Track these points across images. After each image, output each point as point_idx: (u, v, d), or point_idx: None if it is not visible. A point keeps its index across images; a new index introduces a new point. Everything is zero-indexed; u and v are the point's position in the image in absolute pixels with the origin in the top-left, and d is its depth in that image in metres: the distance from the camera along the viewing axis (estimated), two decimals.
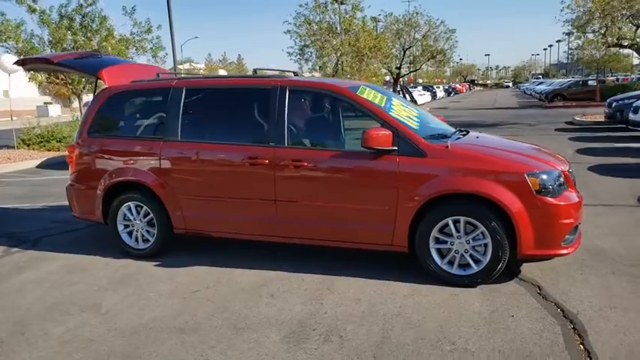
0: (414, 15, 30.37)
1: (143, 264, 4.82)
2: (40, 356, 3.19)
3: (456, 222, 3.94)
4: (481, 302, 3.71)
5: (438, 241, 4.03)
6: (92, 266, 4.83)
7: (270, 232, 4.50)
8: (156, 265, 4.78)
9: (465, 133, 4.73)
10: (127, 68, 5.54)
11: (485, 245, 3.89)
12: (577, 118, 18.12)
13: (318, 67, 20.41)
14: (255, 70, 4.92)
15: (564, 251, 3.88)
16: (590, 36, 20.42)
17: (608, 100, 16.24)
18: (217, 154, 4.58)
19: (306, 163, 4.23)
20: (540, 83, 48.21)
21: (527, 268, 4.28)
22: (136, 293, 4.14)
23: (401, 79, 33.31)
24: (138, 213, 4.97)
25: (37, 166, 11.86)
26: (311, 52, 20.46)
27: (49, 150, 13.51)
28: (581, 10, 18.59)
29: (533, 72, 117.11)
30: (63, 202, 7.57)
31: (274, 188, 4.35)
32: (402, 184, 3.99)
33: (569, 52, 33.18)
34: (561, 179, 3.93)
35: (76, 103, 20.79)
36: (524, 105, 32.99)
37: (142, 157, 4.85)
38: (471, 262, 3.95)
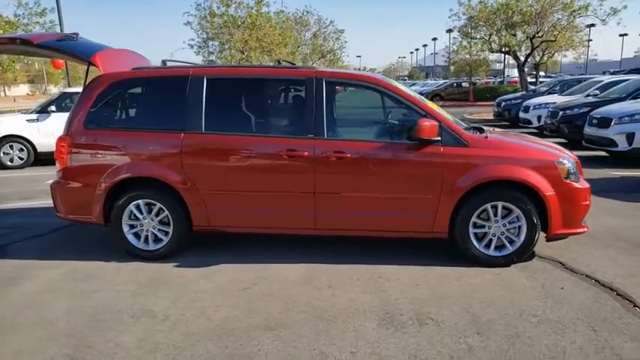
0: (304, 13, 30.90)
1: (158, 266, 4.46)
2: None
3: (493, 207, 4.27)
4: (526, 278, 4.08)
5: (475, 225, 4.33)
6: (101, 271, 4.36)
7: (308, 225, 4.44)
8: (177, 267, 4.45)
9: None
10: (119, 54, 5.03)
11: (519, 227, 4.27)
12: (467, 117, 19.99)
13: (220, 61, 19.86)
14: (279, 61, 4.79)
15: (582, 230, 4.40)
16: (478, 41, 22.61)
17: (497, 100, 18.22)
18: (250, 147, 4.39)
19: (349, 155, 4.25)
20: (413, 84, 51.99)
21: (537, 248, 4.76)
22: (181, 296, 3.84)
23: None
24: (149, 211, 4.57)
25: None
26: (215, 45, 19.89)
27: None
28: (467, 17, 20.52)
29: (399, 74, 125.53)
30: (6, 205, 6.71)
31: (314, 180, 4.31)
32: (447, 173, 4.21)
33: (448, 55, 36.20)
34: (577, 167, 4.45)
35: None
36: None
37: (157, 151, 4.47)
38: (507, 244, 4.32)
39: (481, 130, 4.66)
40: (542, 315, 3.44)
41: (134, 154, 4.50)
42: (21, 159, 10.48)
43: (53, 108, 10.47)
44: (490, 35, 20.96)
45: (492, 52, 22.03)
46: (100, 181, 4.52)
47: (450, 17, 21.74)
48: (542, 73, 35.89)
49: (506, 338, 3.13)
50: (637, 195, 6.75)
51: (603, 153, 9.77)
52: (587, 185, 4.38)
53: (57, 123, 10.30)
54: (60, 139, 4.65)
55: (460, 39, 23.48)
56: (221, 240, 5.03)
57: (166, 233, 4.58)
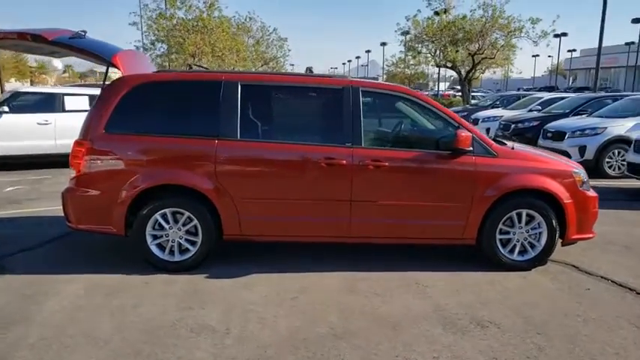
0: (247, 20, 30.75)
1: (189, 278, 4.29)
2: None
3: (518, 214, 4.52)
4: (551, 281, 4.35)
5: (501, 232, 4.56)
6: (128, 285, 4.12)
7: (343, 232, 4.46)
8: (209, 278, 4.31)
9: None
10: (132, 54, 4.82)
11: (540, 233, 4.55)
12: None
13: (168, 65, 19.28)
14: (309, 69, 4.78)
15: (592, 235, 4.76)
16: (422, 55, 23.60)
17: None
18: (287, 154, 4.35)
19: (386, 163, 4.34)
20: None
21: None
22: (231, 308, 3.72)
23: None
24: (175, 221, 4.38)
25: None
26: (163, 48, 19.25)
27: None
28: (415, 32, 21.41)
29: None
30: None
31: (351, 188, 4.35)
32: (478, 182, 4.41)
33: (383, 68, 37.38)
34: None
35: None
36: None
37: (189, 158, 4.31)
38: (529, 249, 4.58)
39: (502, 143, 4.91)
40: (585, 314, 3.70)
41: (163, 160, 4.32)
42: None
43: (5, 109, 9.68)
44: (435, 50, 22.00)
45: (438, 66, 23.11)
46: (122, 188, 4.28)
47: (396, 32, 22.55)
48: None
49: (567, 338, 3.34)
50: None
51: None
52: (596, 194, 4.75)
53: (8, 125, 9.60)
54: (77, 144, 4.35)
55: (404, 52, 24.40)
56: (242, 250, 4.92)
57: (193, 243, 4.42)
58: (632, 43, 50.10)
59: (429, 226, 4.49)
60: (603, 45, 20.33)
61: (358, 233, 4.48)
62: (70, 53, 4.80)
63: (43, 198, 7.44)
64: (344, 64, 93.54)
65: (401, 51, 25.20)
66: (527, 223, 4.55)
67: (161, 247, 4.43)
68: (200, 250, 4.40)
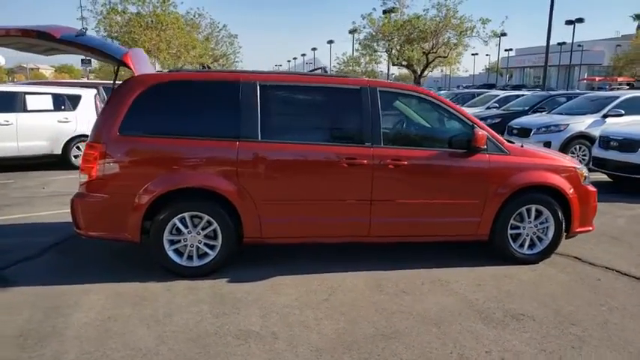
0: (196, 16, 30.06)
1: (211, 283, 4.18)
2: None
3: (528, 209, 4.71)
4: (562, 273, 4.56)
5: (511, 227, 4.73)
6: (151, 293, 3.96)
7: (363, 232, 4.48)
8: (231, 282, 4.21)
9: None
10: (138, 53, 4.60)
11: (547, 228, 4.76)
12: None
13: None
14: (324, 69, 4.75)
15: (592, 228, 5.03)
16: (380, 54, 23.94)
17: None
18: (308, 155, 4.31)
19: (405, 162, 4.39)
20: None
21: None
22: (268, 312, 3.66)
23: None
24: (194, 225, 4.24)
25: None
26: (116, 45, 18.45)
27: None
28: (370, 32, 21.70)
29: None
30: None
31: (371, 188, 4.37)
32: (492, 179, 4.55)
33: (336, 65, 37.59)
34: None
35: None
36: None
37: (210, 160, 4.19)
38: (537, 243, 4.78)
39: (510, 141, 5.09)
40: (607, 304, 3.91)
41: (183, 162, 4.17)
42: None
43: None
44: (392, 49, 22.40)
45: (394, 64, 23.56)
46: (138, 193, 4.10)
47: (351, 31, 22.76)
48: None
49: (599, 326, 3.52)
50: None
51: None
52: (595, 189, 5.02)
53: None
54: (89, 147, 4.12)
55: (359, 51, 24.70)
56: (255, 253, 4.83)
57: (212, 247, 4.30)
58: (564, 43, 53.23)
59: (446, 223, 4.59)
60: (536, 45, 21.42)
61: (378, 233, 4.51)
62: (74, 51, 4.51)
63: (15, 204, 6.99)
64: (289, 61, 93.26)
65: (357, 49, 25.54)
66: (535, 218, 4.75)
67: (178, 252, 4.28)
68: (220, 254, 4.28)
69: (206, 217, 4.23)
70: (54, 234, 5.44)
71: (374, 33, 22.36)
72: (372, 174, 4.35)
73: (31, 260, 4.70)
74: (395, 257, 4.83)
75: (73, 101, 10.11)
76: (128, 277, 4.23)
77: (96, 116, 10.04)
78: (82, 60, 31.50)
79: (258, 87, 4.28)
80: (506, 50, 63.04)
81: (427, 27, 21.01)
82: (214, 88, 4.33)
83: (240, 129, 4.21)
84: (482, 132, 4.43)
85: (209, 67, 4.76)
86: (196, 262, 4.29)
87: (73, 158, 10.02)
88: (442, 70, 31.30)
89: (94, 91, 10.54)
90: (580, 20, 40.93)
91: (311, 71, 5.16)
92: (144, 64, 4.58)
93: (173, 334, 3.31)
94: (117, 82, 4.40)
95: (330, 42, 54.58)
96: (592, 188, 4.93)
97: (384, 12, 24.50)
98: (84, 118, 10.05)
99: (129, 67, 4.23)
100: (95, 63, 34.23)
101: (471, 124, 4.58)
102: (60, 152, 9.98)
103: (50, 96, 9.96)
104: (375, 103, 4.41)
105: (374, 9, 23.01)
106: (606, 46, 58.29)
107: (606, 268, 4.72)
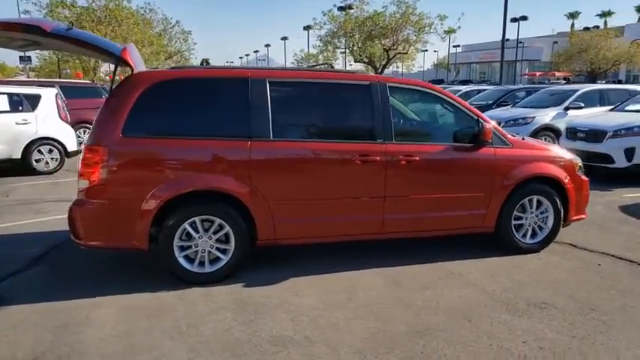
0: (148, 11, 29.08)
1: (227, 289, 4.03)
2: None
3: (530, 200, 4.82)
4: (564, 260, 4.70)
5: (515, 218, 4.83)
6: (166, 304, 3.77)
7: (376, 229, 4.45)
8: (247, 287, 4.08)
9: None
10: (134, 50, 4.35)
11: (547, 217, 4.90)
12: None
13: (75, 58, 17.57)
14: (330, 65, 4.66)
15: (585, 216, 5.21)
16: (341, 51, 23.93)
17: None
18: (321, 153, 4.22)
19: (417, 158, 4.39)
20: None
21: None
22: (296, 316, 3.57)
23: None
24: (205, 230, 4.07)
25: None
26: None
27: None
28: (333, 28, 21.69)
29: None
30: None
31: (384, 184, 4.35)
32: (498, 172, 4.63)
33: (293, 62, 37.45)
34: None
35: None
36: None
37: (222, 161, 4.02)
38: (538, 232, 4.91)
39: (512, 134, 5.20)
40: (615, 287, 4.06)
41: (193, 164, 3.98)
42: None
43: None
44: (353, 46, 22.48)
45: (357, 61, 23.64)
46: (146, 197, 3.89)
47: (305, 28, 22.65)
48: None
49: (619, 310, 3.65)
50: None
51: None
52: (587, 178, 5.20)
53: None
54: (89, 151, 3.86)
55: (320, 47, 24.64)
56: (262, 255, 4.70)
57: (224, 252, 4.14)
58: (508, 40, 55.34)
59: (456, 216, 4.63)
60: (483, 41, 22.17)
61: (391, 229, 4.49)
62: (61, 47, 4.18)
63: None
64: (241, 58, 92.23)
65: (318, 45, 25.42)
66: (537, 208, 4.87)
67: (188, 258, 4.10)
68: (233, 258, 4.13)
69: (218, 221, 4.06)
70: (34, 245, 5.08)
71: (335, 29, 22.38)
72: (384, 170, 4.32)
73: (20, 274, 4.37)
74: (403, 253, 4.83)
75: (32, 101, 9.50)
76: (133, 288, 4.01)
77: (58, 117, 9.68)
78: (20, 57, 29.71)
79: (267, 84, 4.15)
80: (454, 47, 64.89)
81: (388, 24, 21.24)
82: (222, 86, 4.16)
83: (251, 128, 4.07)
84: (489, 126, 4.49)
85: (208, 63, 4.56)
86: (208, 268, 4.12)
87: (35, 163, 9.46)
88: (397, 66, 31.75)
89: (55, 90, 9.95)
90: (524, 18, 42.63)
91: (312, 67, 5.06)
92: (139, 61, 4.34)
93: (204, 345, 3.16)
94: (104, 80, 4.14)
95: (284, 38, 54.23)
96: (585, 177, 5.11)
97: (340, 8, 24.56)
98: (45, 120, 9.50)
99: (127, 64, 4.00)
100: (36, 60, 32.44)
101: (476, 118, 4.63)
102: (19, 157, 9.37)
103: (6, 96, 9.32)
104: (385, 99, 4.38)
105: (334, 5, 23.11)
106: (544, 42, 61.28)
107: (602, 253, 4.90)
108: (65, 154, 9.77)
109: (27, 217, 6.25)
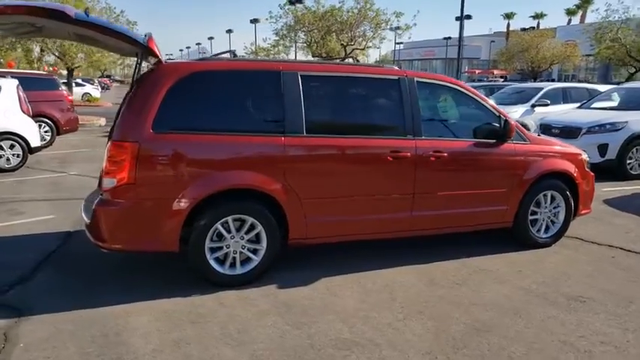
0: (95, 2, 27.55)
1: (259, 291, 3.86)
2: None
3: (544, 195, 4.93)
4: (579, 254, 4.84)
5: (531, 213, 4.92)
6: (206, 308, 3.56)
7: (405, 226, 4.39)
8: (280, 288, 3.92)
9: None
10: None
11: (559, 211, 5.03)
12: None
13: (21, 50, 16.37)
14: (356, 59, 4.52)
15: (590, 210, 5.39)
16: (301, 44, 23.67)
17: None
18: (355, 149, 4.10)
19: (445, 154, 4.37)
20: None
21: None
22: (347, 318, 3.45)
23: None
24: (237, 229, 3.87)
25: None
26: (12, 42, 16.23)
27: None
28: (287, 22, 21.44)
29: None
30: None
31: (414, 181, 4.30)
32: (518, 168, 4.69)
33: (244, 55, 36.76)
34: None
35: None
36: None
37: (257, 157, 3.83)
38: (551, 226, 5.04)
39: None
40: (637, 278, 4.22)
41: (227, 161, 3.77)
42: None
43: None
44: (312, 40, 22.32)
45: (315, 56, 23.47)
46: (178, 196, 3.64)
47: (268, 20, 22.32)
48: None
49: None
50: None
51: None
52: (593, 173, 5.38)
53: None
54: (116, 147, 3.56)
55: (277, 41, 24.30)
56: (286, 255, 4.53)
57: (255, 252, 3.96)
58: (449, 38, 57.07)
59: (480, 212, 4.65)
60: (423, 39, 22.66)
61: (419, 226, 4.45)
62: (81, 33, 3.79)
63: None
64: (181, 50, 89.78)
65: (275, 39, 25.04)
66: (550, 203, 4.98)
67: (218, 260, 3.88)
68: (266, 258, 3.96)
69: (250, 220, 3.87)
70: (28, 250, 4.65)
71: (292, 23, 22.15)
72: (414, 167, 4.27)
73: (28, 282, 3.98)
74: (425, 249, 4.80)
75: None
76: (163, 293, 3.75)
77: (20, 110, 8.96)
78: None
79: (299, 78, 3.98)
80: (396, 44, 66.10)
81: (347, 19, 21.25)
82: (254, 79, 3.96)
83: (284, 123, 3.89)
84: (514, 123, 4.54)
85: (235, 55, 4.32)
86: (239, 270, 3.92)
87: None
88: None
89: (16, 81, 9.21)
90: (468, 17, 43.92)
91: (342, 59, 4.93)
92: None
93: (266, 353, 2.98)
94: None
95: (229, 31, 53.22)
96: (591, 173, 5.29)
97: (291, 2, 24.32)
98: (5, 113, 8.77)
99: (154, 54, 3.73)
100: None
101: (498, 114, 4.66)
102: None
103: None
104: (413, 94, 4.32)
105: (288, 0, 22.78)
106: (482, 41, 63.81)
107: (609, 246, 5.09)
108: (28, 150, 9.06)
109: (0, 220, 5.72)
